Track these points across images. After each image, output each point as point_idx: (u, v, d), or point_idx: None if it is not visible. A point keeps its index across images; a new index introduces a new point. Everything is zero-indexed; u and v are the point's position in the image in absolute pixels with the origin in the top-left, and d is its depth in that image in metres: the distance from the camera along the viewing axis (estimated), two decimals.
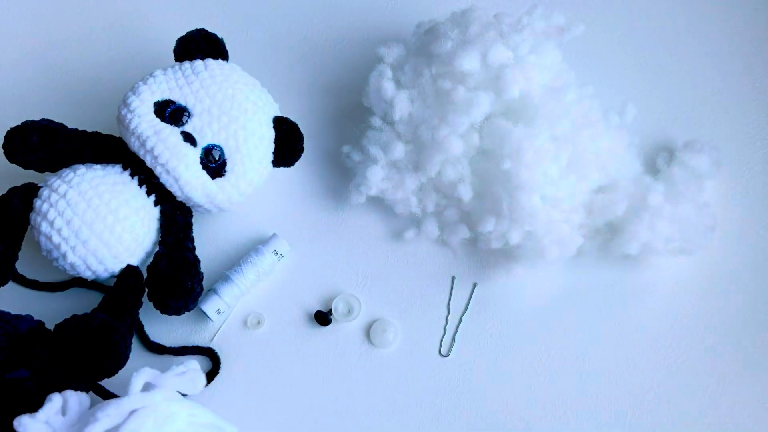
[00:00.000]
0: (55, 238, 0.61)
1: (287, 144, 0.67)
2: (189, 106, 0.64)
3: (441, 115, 0.66)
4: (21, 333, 0.60)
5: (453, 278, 0.69)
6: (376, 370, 0.67)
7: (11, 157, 0.64)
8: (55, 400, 0.55)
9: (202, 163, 0.63)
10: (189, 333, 0.68)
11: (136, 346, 0.67)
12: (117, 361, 0.59)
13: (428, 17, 0.73)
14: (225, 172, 0.64)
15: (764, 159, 0.72)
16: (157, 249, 0.64)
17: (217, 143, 0.64)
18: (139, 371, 0.57)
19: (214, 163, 0.64)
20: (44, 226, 0.62)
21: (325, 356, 0.67)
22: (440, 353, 0.67)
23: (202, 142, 0.64)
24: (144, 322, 0.67)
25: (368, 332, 0.68)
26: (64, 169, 0.64)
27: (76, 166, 0.64)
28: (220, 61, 0.67)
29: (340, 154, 0.72)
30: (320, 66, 0.77)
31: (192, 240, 0.66)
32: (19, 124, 0.65)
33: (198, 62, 0.66)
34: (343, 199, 0.71)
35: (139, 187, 0.64)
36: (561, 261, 0.66)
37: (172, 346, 0.67)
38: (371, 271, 0.70)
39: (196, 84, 0.65)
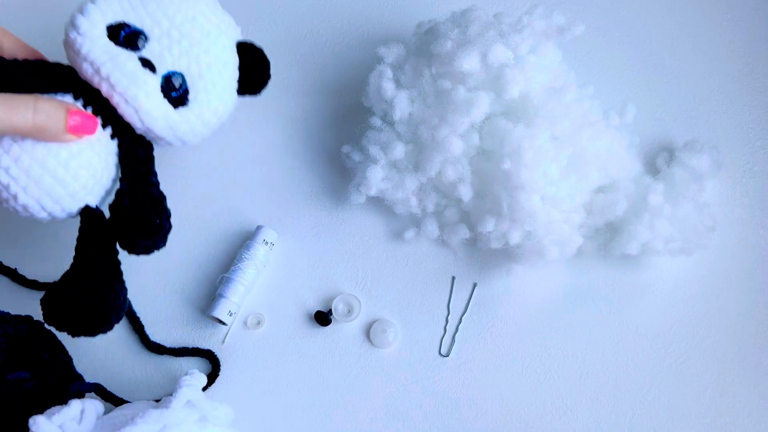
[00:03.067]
0: (3, 178, 0.55)
1: (253, 71, 0.62)
2: (146, 30, 0.58)
3: (441, 115, 0.66)
4: (21, 334, 0.60)
5: (453, 278, 0.69)
6: (376, 370, 0.67)
7: None
8: (73, 406, 0.55)
9: (162, 91, 0.58)
10: (189, 333, 0.68)
11: (136, 345, 0.67)
12: (117, 312, 0.56)
13: (428, 17, 0.73)
14: (188, 101, 0.59)
15: (765, 159, 0.72)
16: (117, 186, 0.59)
17: (178, 70, 0.59)
18: (188, 385, 0.57)
19: (175, 92, 0.58)
20: None
21: (325, 356, 0.67)
22: (440, 353, 0.67)
23: (162, 69, 0.58)
24: (144, 322, 0.67)
25: (368, 332, 0.68)
26: None
27: None
28: None
29: (340, 154, 0.72)
30: (320, 66, 0.77)
31: (155, 174, 0.60)
32: None
33: None
34: (343, 199, 0.71)
35: None
36: (561, 261, 0.67)
37: (172, 346, 0.67)
38: (371, 271, 0.70)
39: (153, 5, 0.59)
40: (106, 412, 0.59)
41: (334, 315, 0.68)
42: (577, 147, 0.65)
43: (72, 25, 0.57)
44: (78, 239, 0.57)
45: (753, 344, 0.67)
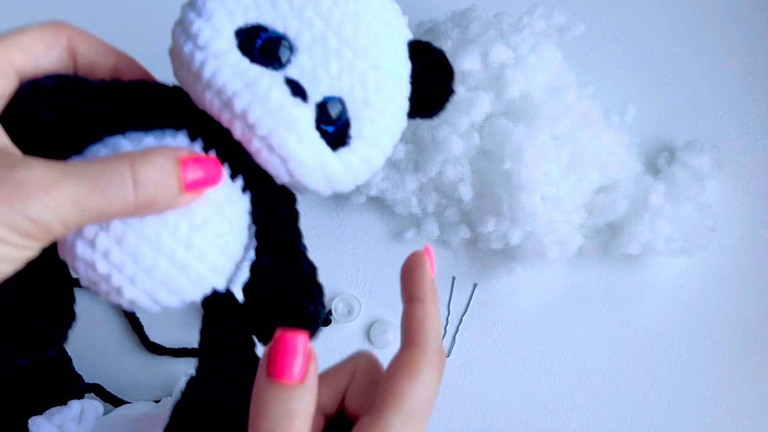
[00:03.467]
0: (102, 267, 0.37)
1: (431, 84, 0.42)
2: (290, 34, 0.39)
3: (441, 114, 0.66)
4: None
5: (453, 278, 0.69)
6: None
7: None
8: (73, 407, 0.55)
9: (317, 128, 0.39)
10: (189, 333, 0.68)
11: (136, 346, 0.67)
12: None
13: (428, 17, 0.72)
14: (349, 138, 0.40)
15: (765, 159, 0.72)
16: (252, 257, 0.42)
17: (336, 95, 0.39)
18: None
19: (332, 126, 0.39)
20: (80, 248, 0.37)
21: (325, 356, 0.67)
22: None
23: (316, 95, 0.39)
24: (143, 323, 0.67)
25: (368, 333, 0.67)
26: (94, 147, 0.38)
27: (115, 140, 0.38)
28: None
29: None
30: None
31: (302, 238, 0.43)
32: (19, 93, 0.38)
33: None
34: (343, 199, 0.71)
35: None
36: (561, 261, 0.66)
37: (172, 347, 0.67)
38: (371, 271, 0.69)
39: None
40: (105, 413, 0.59)
41: (334, 315, 0.68)
42: (577, 147, 0.65)
43: (185, 31, 0.38)
44: (203, 334, 0.41)
45: (754, 344, 0.67)
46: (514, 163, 0.63)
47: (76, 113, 0.38)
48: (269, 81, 0.37)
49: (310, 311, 0.40)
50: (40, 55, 0.37)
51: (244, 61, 0.38)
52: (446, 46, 0.66)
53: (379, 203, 0.70)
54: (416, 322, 0.38)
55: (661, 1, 0.78)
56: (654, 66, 0.76)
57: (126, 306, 0.39)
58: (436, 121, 0.66)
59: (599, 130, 0.67)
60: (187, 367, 0.66)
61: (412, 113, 0.43)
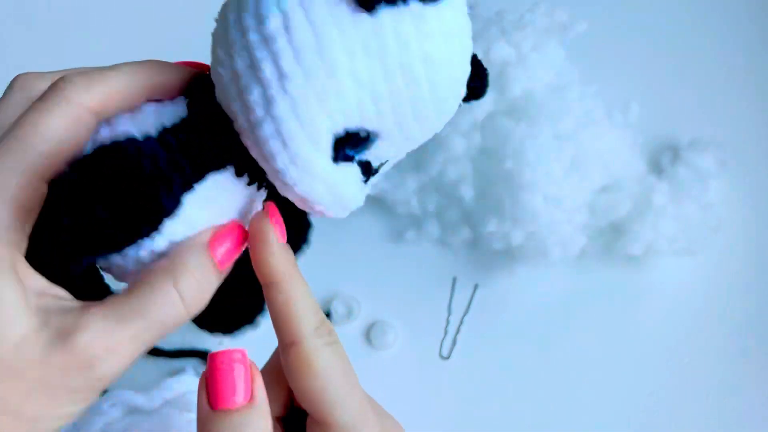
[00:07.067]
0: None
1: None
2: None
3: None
4: None
5: (454, 279, 0.69)
6: (376, 372, 0.66)
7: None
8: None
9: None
10: (186, 334, 0.68)
11: None
12: None
13: None
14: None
15: None
16: None
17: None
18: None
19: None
20: None
21: None
22: (441, 355, 0.67)
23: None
24: None
25: (368, 334, 0.67)
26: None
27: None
28: None
29: None
30: None
31: None
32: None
33: None
34: None
35: None
36: (564, 261, 0.66)
37: (169, 348, 0.67)
38: (371, 272, 0.69)
39: None
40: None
41: (333, 317, 0.67)
42: (580, 146, 0.65)
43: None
44: None
45: (758, 346, 0.66)
46: (516, 162, 0.63)
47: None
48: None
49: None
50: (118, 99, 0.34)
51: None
52: None
53: (379, 203, 0.70)
54: (280, 314, 0.34)
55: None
56: (657, 64, 0.75)
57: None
58: None
59: (602, 129, 0.66)
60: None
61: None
